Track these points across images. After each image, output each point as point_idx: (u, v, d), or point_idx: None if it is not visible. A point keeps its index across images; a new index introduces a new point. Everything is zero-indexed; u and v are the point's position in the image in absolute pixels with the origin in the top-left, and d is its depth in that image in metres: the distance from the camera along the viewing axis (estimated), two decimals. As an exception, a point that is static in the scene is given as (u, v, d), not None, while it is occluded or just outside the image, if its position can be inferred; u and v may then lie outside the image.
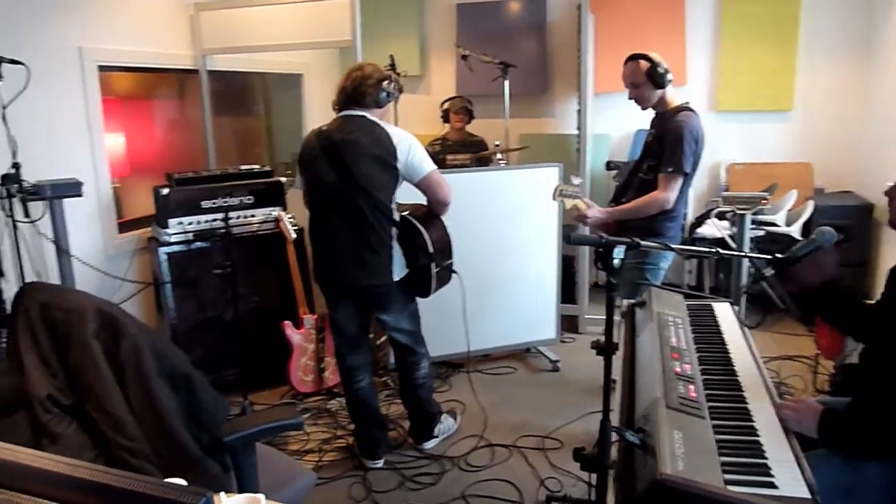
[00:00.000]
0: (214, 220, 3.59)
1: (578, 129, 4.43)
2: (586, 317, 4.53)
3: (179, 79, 4.45)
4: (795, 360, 3.92)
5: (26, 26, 3.11)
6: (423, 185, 2.82)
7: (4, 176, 2.51)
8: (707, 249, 1.91)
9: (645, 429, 1.53)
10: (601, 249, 1.55)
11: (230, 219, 3.54)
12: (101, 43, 3.51)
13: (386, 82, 2.79)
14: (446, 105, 4.89)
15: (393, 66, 3.99)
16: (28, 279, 2.77)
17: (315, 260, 2.95)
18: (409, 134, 2.80)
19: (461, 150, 4.78)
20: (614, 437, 1.59)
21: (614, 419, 1.72)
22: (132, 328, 1.48)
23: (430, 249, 2.83)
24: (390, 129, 2.76)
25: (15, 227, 2.56)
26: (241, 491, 1.62)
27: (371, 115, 2.79)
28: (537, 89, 5.41)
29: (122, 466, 1.51)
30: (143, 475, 0.80)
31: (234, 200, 3.70)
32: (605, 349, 1.63)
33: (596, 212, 3.04)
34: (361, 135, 2.72)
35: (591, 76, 4.47)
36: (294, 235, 3.66)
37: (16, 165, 2.52)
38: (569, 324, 4.51)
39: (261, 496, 1.31)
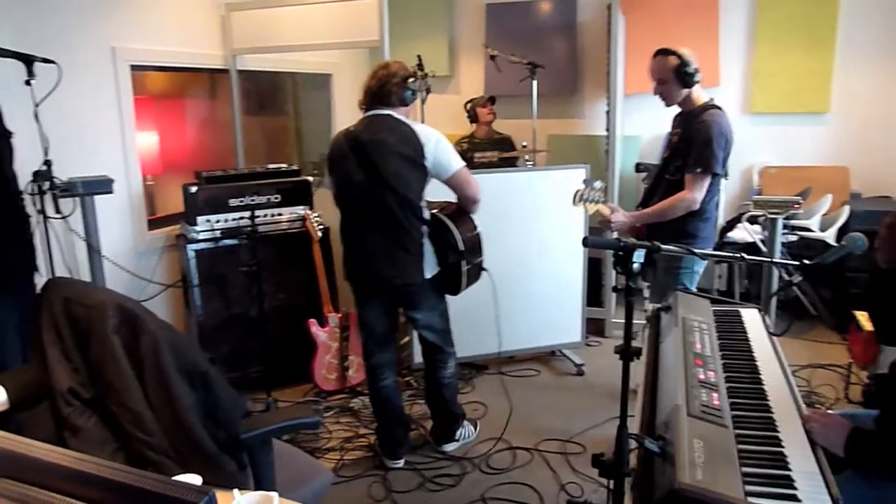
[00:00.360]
0: (241, 218, 3.62)
1: (607, 130, 4.38)
2: (613, 321, 4.48)
3: (210, 78, 4.51)
4: (827, 369, 3.82)
5: (62, 27, 3.17)
6: (451, 182, 2.83)
7: (36, 173, 2.56)
8: (732, 255, 1.86)
9: (665, 436, 1.50)
10: (620, 253, 1.52)
11: (257, 217, 3.57)
12: (133, 43, 3.57)
13: (411, 80, 2.80)
14: (469, 105, 4.88)
15: (420, 66, 3.99)
16: (59, 274, 2.83)
17: (346, 258, 2.96)
18: (436, 131, 2.80)
19: (489, 147, 4.77)
20: (634, 443, 1.56)
21: (634, 426, 1.69)
22: (152, 324, 1.50)
23: (461, 247, 2.83)
24: (417, 127, 2.77)
25: (46, 223, 2.61)
26: (257, 488, 1.63)
27: (397, 113, 2.80)
28: (566, 90, 5.37)
29: (141, 461, 1.53)
30: (149, 472, 0.80)
31: (262, 199, 3.73)
32: (623, 354, 1.60)
33: (620, 216, 2.99)
34: (388, 134, 2.73)
35: (621, 77, 4.42)
36: (320, 234, 3.68)
37: (47, 162, 2.57)
38: (595, 327, 4.46)
39: (274, 494, 1.31)
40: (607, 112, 4.36)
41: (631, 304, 1.58)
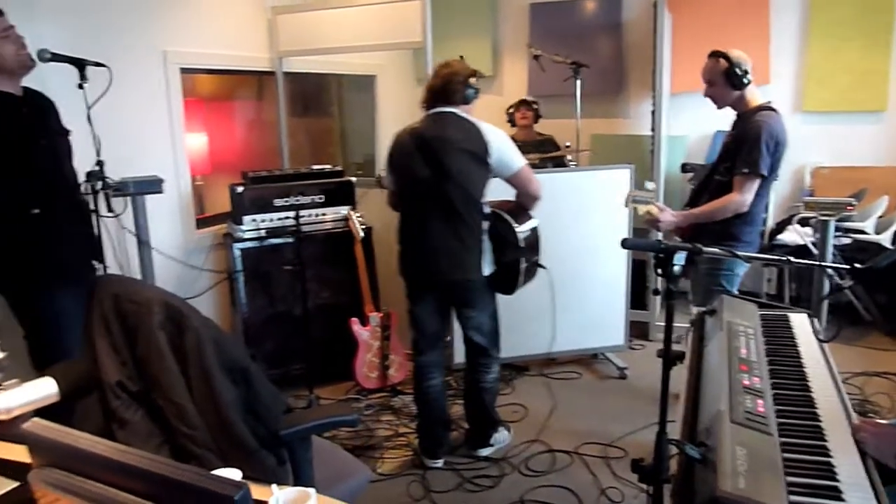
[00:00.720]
0: (286, 217, 3.68)
1: (652, 130, 4.31)
2: (657, 324, 4.41)
3: (257, 80, 4.60)
4: (882, 377, 3.68)
5: (115, 31, 3.27)
6: (514, 180, 2.86)
7: (89, 173, 2.66)
8: (777, 257, 1.81)
9: (706, 443, 1.47)
10: (661, 255, 1.50)
11: (301, 217, 3.63)
12: (183, 46, 3.67)
13: (473, 79, 2.83)
14: (510, 109, 4.91)
15: (463, 67, 3.99)
16: (111, 271, 2.92)
17: (403, 254, 2.99)
18: (498, 130, 2.84)
19: (530, 149, 4.74)
20: (674, 449, 1.53)
21: (676, 431, 1.66)
22: (195, 321, 1.54)
23: (521, 244, 2.84)
24: (482, 125, 2.80)
25: (99, 221, 2.70)
26: (296, 484, 1.65)
27: (460, 111, 2.82)
28: (611, 89, 5.30)
29: (185, 454, 1.57)
30: (187, 465, 0.82)
31: (306, 199, 3.79)
32: (664, 358, 1.57)
33: (669, 216, 2.94)
34: (453, 131, 2.76)
35: (668, 76, 4.34)
36: (362, 234, 3.71)
37: (100, 163, 2.66)
38: (639, 330, 4.39)
39: (311, 490, 1.33)
40: (652, 111, 4.29)
41: (671, 307, 1.56)
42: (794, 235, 4.25)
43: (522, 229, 2.90)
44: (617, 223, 3.83)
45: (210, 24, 3.86)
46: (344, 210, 3.85)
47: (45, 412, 1.53)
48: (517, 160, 2.84)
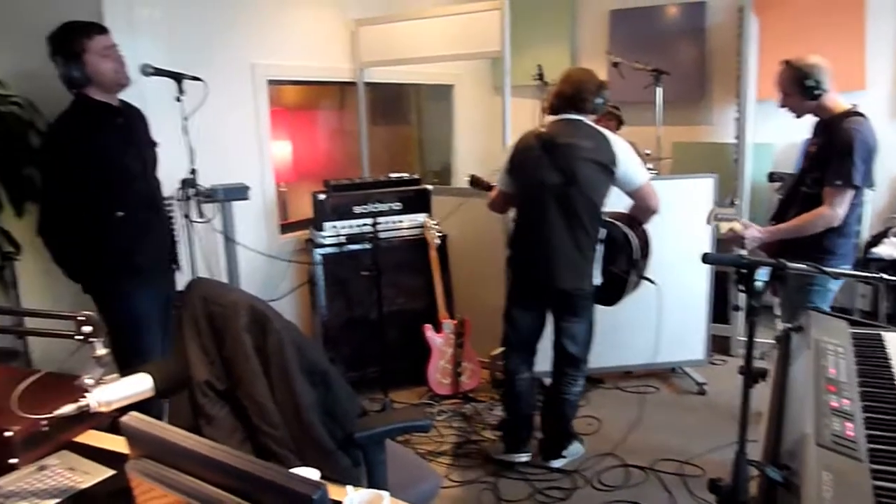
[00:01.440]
0: (364, 224, 3.77)
1: (737, 137, 4.17)
2: (739, 339, 4.25)
3: (339, 90, 4.74)
4: None
5: (208, 46, 3.45)
6: (637, 194, 2.87)
7: (183, 180, 2.81)
8: (868, 274, 1.72)
9: (790, 465, 1.41)
10: (743, 271, 1.45)
11: (378, 224, 3.70)
12: (271, 59, 3.82)
13: (603, 90, 2.84)
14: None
15: (541, 76, 4.00)
16: (200, 273, 3.08)
17: (516, 259, 3.02)
18: (626, 143, 2.85)
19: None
20: (754, 471, 1.48)
21: (757, 452, 1.60)
22: (278, 324, 1.60)
23: (636, 256, 2.84)
24: (611, 136, 2.81)
25: (190, 226, 2.85)
26: (370, 486, 1.69)
27: (587, 119, 2.85)
28: (693, 96, 5.16)
29: (265, 452, 1.64)
30: (270, 463, 0.87)
31: (384, 206, 3.87)
32: (745, 374, 1.52)
33: (754, 231, 2.83)
34: (584, 139, 2.78)
35: (753, 82, 4.19)
36: (438, 242, 3.76)
37: (193, 171, 2.81)
38: (720, 345, 4.25)
39: (385, 493, 1.36)
40: (737, 118, 4.15)
41: (753, 324, 1.51)
42: (891, 249, 4.01)
43: (637, 242, 2.91)
44: (699, 234, 3.72)
45: (296, 38, 4.01)
46: (420, 217, 3.91)
47: (139, 406, 1.63)
48: (642, 174, 2.85)
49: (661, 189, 3.75)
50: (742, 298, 1.54)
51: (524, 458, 3.08)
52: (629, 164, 2.80)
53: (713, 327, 3.97)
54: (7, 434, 1.51)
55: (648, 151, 4.48)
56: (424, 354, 3.75)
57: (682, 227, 3.72)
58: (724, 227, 2.80)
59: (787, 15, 4.66)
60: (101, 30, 2.56)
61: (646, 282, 3.09)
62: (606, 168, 2.76)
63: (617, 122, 4.77)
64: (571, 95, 2.82)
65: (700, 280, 3.82)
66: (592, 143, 2.78)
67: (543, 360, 3.16)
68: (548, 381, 3.22)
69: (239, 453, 0.89)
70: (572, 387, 3.02)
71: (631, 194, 2.88)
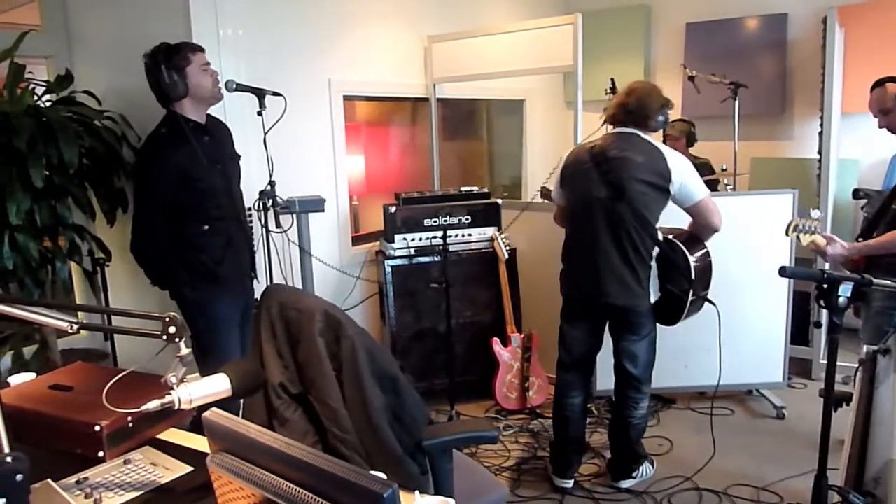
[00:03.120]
0: (434, 237, 3.82)
1: (819, 153, 4.01)
2: (821, 362, 4.06)
3: (412, 105, 4.82)
4: None
5: (288, 62, 3.58)
6: (695, 210, 2.80)
7: (262, 191, 2.92)
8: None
9: (875, 493, 1.34)
10: (824, 286, 1.39)
11: (448, 237, 3.74)
12: (347, 75, 3.93)
13: (666, 108, 2.81)
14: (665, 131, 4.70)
15: (613, 89, 3.96)
16: (276, 281, 3.18)
17: (568, 274, 2.97)
18: (683, 158, 2.79)
19: (684, 174, 4.57)
20: (837, 497, 1.42)
21: (838, 479, 1.53)
22: (351, 330, 1.65)
23: (692, 275, 2.76)
24: (666, 151, 2.76)
25: (268, 235, 2.96)
26: (436, 494, 1.70)
27: (644, 133, 2.81)
28: (773, 110, 5.00)
29: (336, 455, 1.67)
30: (351, 465, 0.89)
31: (454, 219, 3.90)
32: (825, 397, 1.46)
33: (838, 247, 2.70)
34: (636, 153, 2.74)
35: (838, 95, 4.03)
36: (507, 255, 3.76)
37: (271, 183, 2.92)
38: (800, 368, 4.07)
39: (451, 501, 1.37)
40: (820, 133, 4.00)
41: (835, 342, 1.45)
42: None
43: (696, 261, 2.80)
44: (778, 251, 3.59)
45: (371, 54, 4.12)
46: (489, 231, 3.92)
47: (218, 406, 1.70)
48: (700, 190, 2.76)
49: (737, 205, 3.68)
50: (824, 316, 1.47)
51: (568, 484, 3.01)
52: (685, 179, 2.72)
53: (793, 349, 3.82)
54: (97, 428, 1.60)
55: (725, 167, 4.37)
56: (492, 368, 3.75)
57: (760, 245, 3.60)
58: (806, 239, 2.65)
59: (873, 25, 4.46)
60: (201, 49, 2.77)
61: (711, 305, 2.97)
62: (659, 184, 2.70)
63: (687, 140, 4.67)
64: (634, 108, 2.77)
65: (779, 299, 3.68)
66: (645, 157, 2.71)
67: (608, 377, 3.10)
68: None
69: (312, 450, 0.92)
70: (635, 410, 2.94)
71: (689, 210, 2.80)
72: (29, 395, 1.80)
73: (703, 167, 4.63)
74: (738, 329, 3.70)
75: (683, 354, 3.64)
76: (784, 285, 3.65)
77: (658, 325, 2.92)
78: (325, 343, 1.65)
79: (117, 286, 3.30)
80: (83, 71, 3.34)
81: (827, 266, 2.97)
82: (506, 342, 3.76)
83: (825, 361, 4.02)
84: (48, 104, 3.00)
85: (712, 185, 4.39)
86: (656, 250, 2.78)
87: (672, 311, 2.83)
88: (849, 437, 1.72)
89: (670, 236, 2.86)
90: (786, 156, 4.97)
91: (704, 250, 2.89)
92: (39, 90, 2.98)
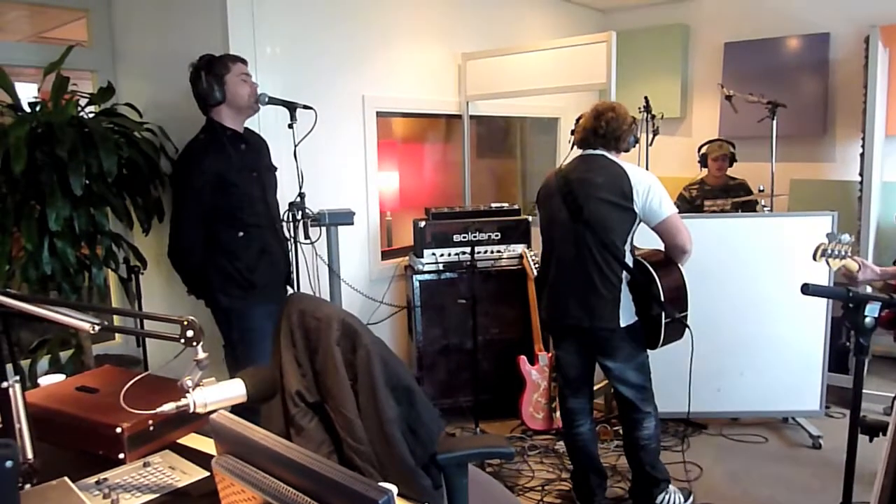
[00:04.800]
0: (463, 252, 3.82)
1: (861, 175, 3.90)
2: (863, 391, 3.91)
3: (445, 122, 4.85)
4: None
5: (322, 78, 3.64)
6: (660, 229, 2.73)
7: (292, 203, 2.96)
8: None
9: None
10: (850, 305, 1.35)
11: (477, 253, 3.73)
12: (380, 91, 3.98)
13: (635, 127, 2.81)
14: (704, 149, 4.63)
15: (647, 108, 3.93)
16: (304, 290, 3.21)
17: (540, 297, 3.01)
18: (650, 175, 2.74)
19: (721, 195, 4.51)
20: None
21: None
22: (367, 338, 1.64)
23: (662, 298, 2.69)
24: (631, 169, 2.73)
25: (297, 246, 2.99)
26: (450, 509, 1.69)
27: (611, 155, 2.79)
28: (814, 131, 4.89)
29: (350, 466, 1.67)
30: (339, 465, 0.89)
31: (483, 236, 3.90)
32: (851, 423, 1.40)
33: (869, 272, 2.59)
34: (597, 174, 2.73)
35: (881, 116, 3.93)
36: (536, 272, 3.74)
37: (301, 195, 2.96)
38: (838, 396, 3.93)
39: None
40: (861, 154, 3.89)
41: (861, 364, 1.39)
42: None
43: (665, 282, 2.72)
44: (815, 274, 3.46)
45: (405, 71, 4.16)
46: (519, 248, 3.91)
47: (235, 413, 1.72)
48: (665, 208, 2.69)
49: (773, 226, 3.60)
50: (890, 343, 1.41)
51: None
52: (650, 196, 2.66)
53: (831, 377, 3.69)
54: (118, 430, 1.63)
55: (762, 188, 4.29)
56: (518, 386, 3.71)
57: (797, 268, 3.49)
58: (836, 264, 2.54)
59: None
60: (243, 60, 2.88)
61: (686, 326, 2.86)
62: (621, 202, 2.66)
63: (728, 162, 4.59)
64: (605, 133, 2.76)
65: (817, 324, 3.57)
66: (605, 177, 2.69)
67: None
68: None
69: (312, 454, 0.92)
70: (639, 431, 2.86)
71: (656, 230, 2.72)
72: (55, 395, 1.85)
73: (740, 188, 4.55)
74: (774, 354, 3.60)
75: (715, 377, 3.56)
76: (822, 310, 3.54)
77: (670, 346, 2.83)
78: (342, 352, 1.66)
79: (151, 294, 3.38)
80: (126, 84, 3.45)
81: (869, 289, 2.87)
82: (533, 360, 3.72)
83: (868, 391, 3.90)
84: (91, 115, 3.11)
85: (750, 207, 4.31)
86: (625, 274, 2.72)
87: (651, 334, 2.76)
88: (882, 467, 1.65)
89: (641, 258, 2.79)
90: (827, 178, 4.85)
91: (677, 271, 2.79)
92: (84, 102, 3.10)
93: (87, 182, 2.79)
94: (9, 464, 0.99)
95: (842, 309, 1.38)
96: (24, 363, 2.98)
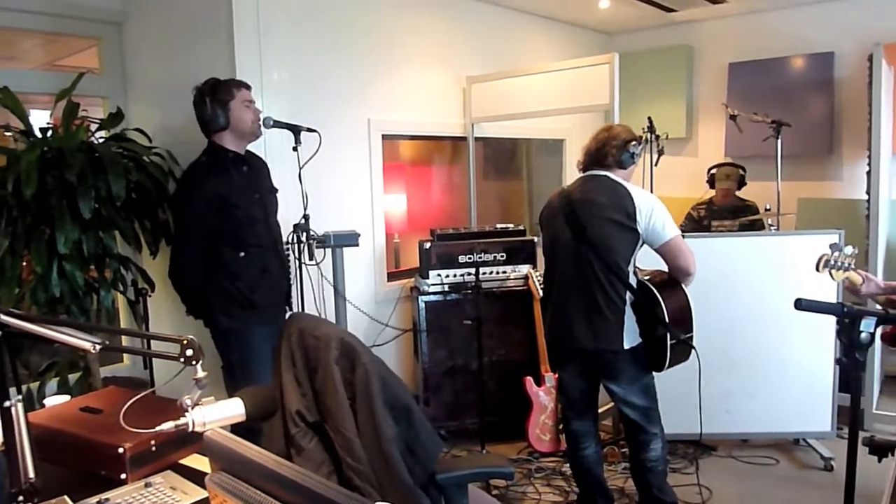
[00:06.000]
0: (468, 273, 3.82)
1: (868, 193, 3.89)
2: (875, 412, 3.86)
3: (451, 144, 4.89)
4: None
5: (328, 101, 3.69)
6: (663, 250, 2.72)
7: (296, 225, 2.99)
8: None
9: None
10: (844, 320, 1.34)
11: (482, 273, 3.74)
12: (386, 114, 4.03)
13: (632, 144, 2.79)
14: (713, 171, 4.65)
15: (651, 129, 3.95)
16: (309, 311, 3.22)
17: (544, 319, 3.00)
18: (653, 197, 2.75)
19: (728, 215, 4.50)
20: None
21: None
22: (365, 357, 1.65)
23: (666, 319, 2.68)
24: (634, 190, 2.73)
25: (301, 268, 3.02)
26: (450, 530, 1.68)
27: (614, 175, 2.79)
28: (820, 150, 4.89)
29: (349, 486, 1.67)
30: (327, 481, 0.90)
31: (489, 256, 3.91)
32: (849, 443, 1.39)
33: (872, 286, 2.58)
34: (600, 194, 2.74)
35: (887, 134, 3.92)
36: (542, 293, 3.73)
37: (306, 216, 2.99)
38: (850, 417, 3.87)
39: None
40: (868, 173, 3.89)
41: (858, 381, 1.38)
42: None
43: (670, 304, 2.70)
44: (823, 293, 3.46)
45: (410, 94, 4.21)
46: (524, 269, 3.91)
47: (235, 432, 1.72)
48: (668, 231, 2.68)
49: (780, 245, 3.59)
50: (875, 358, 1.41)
51: None
52: (653, 220, 2.66)
53: (843, 397, 3.64)
54: (120, 450, 1.64)
55: (768, 206, 4.28)
56: (525, 408, 3.68)
57: (805, 286, 3.46)
58: (839, 275, 2.52)
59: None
60: (247, 86, 2.91)
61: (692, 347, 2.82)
62: (624, 222, 2.65)
63: (736, 184, 4.58)
64: (596, 151, 2.80)
65: (825, 343, 3.53)
66: (609, 197, 2.70)
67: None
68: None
69: (305, 471, 0.93)
70: (646, 452, 2.82)
71: (659, 251, 2.71)
72: (59, 415, 1.87)
73: (748, 209, 4.54)
74: (783, 374, 3.57)
75: (724, 399, 3.52)
76: (830, 329, 3.51)
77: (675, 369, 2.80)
78: (341, 371, 1.66)
79: (159, 316, 3.41)
80: (136, 110, 3.52)
81: (877, 306, 2.84)
82: (539, 382, 3.70)
83: (882, 412, 3.84)
84: (101, 140, 3.16)
85: (757, 227, 4.30)
86: (629, 295, 2.71)
87: (657, 357, 2.74)
88: (889, 487, 1.63)
89: (645, 279, 2.78)
90: (835, 196, 4.84)
91: (682, 293, 2.77)
92: (94, 127, 3.15)
93: (96, 206, 2.84)
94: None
95: (836, 324, 1.37)
96: (34, 385, 3.01)
